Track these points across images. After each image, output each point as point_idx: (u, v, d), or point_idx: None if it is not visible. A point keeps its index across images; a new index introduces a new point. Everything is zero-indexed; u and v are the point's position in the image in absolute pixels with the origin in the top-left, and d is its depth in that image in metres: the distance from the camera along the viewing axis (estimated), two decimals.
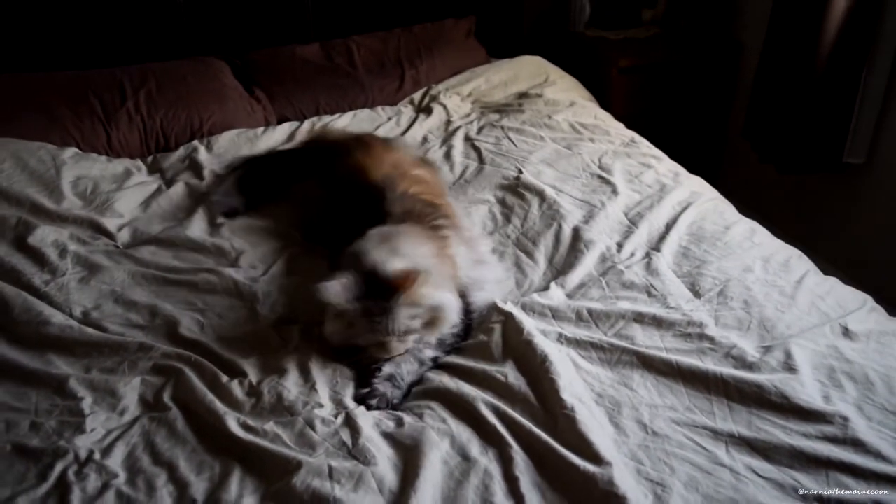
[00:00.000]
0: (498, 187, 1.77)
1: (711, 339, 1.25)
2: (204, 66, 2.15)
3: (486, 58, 2.39)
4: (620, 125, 2.07)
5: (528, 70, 2.31)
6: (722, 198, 1.72)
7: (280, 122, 2.08)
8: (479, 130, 2.03)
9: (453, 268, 1.36)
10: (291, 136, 2.00)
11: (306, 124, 2.05)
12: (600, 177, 1.77)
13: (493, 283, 1.42)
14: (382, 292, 1.21)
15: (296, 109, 2.12)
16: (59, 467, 1.07)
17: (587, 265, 1.47)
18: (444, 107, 2.14)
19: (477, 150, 1.93)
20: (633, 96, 2.38)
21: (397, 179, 1.50)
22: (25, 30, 2.06)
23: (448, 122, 2.09)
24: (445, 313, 1.24)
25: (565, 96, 2.19)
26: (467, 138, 2.00)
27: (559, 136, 1.98)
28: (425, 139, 2.02)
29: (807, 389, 1.13)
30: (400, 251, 1.27)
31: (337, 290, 1.20)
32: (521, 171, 1.80)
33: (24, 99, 1.92)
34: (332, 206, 1.53)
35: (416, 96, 2.22)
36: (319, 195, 1.60)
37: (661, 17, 2.63)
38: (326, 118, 2.09)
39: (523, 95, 2.20)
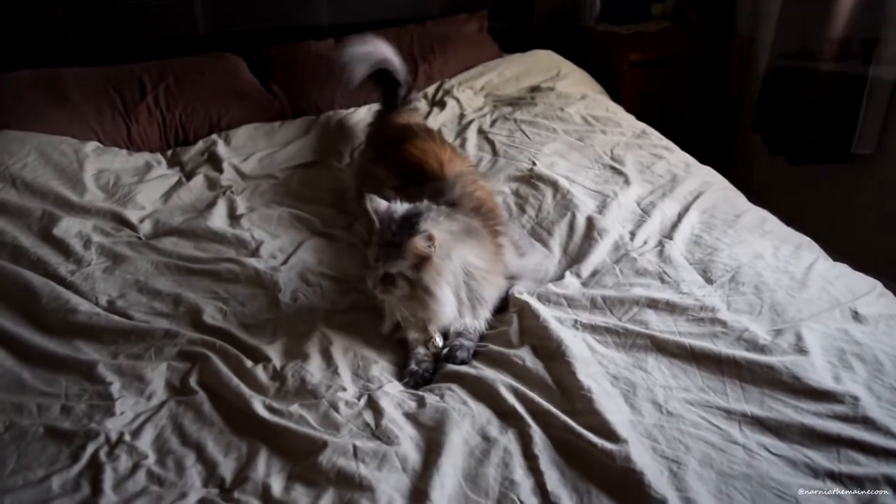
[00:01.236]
0: (512, 179, 1.79)
1: (724, 324, 1.27)
2: (221, 62, 2.19)
3: (498, 52, 2.42)
4: (631, 117, 2.10)
5: (539, 64, 2.34)
6: (732, 187, 1.75)
7: (296, 115, 2.11)
8: (493, 123, 2.06)
9: (503, 273, 1.40)
10: (307, 130, 2.04)
11: (322, 118, 2.09)
12: (612, 167, 1.80)
13: (533, 272, 1.47)
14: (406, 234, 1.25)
15: (311, 103, 2.15)
16: (90, 449, 1.12)
17: (601, 253, 1.50)
18: (458, 100, 2.17)
19: (490, 142, 1.96)
20: (643, 90, 2.40)
21: (468, 180, 1.53)
22: (46, 26, 2.11)
23: (461, 116, 2.12)
24: (436, 303, 1.26)
25: (577, 90, 2.21)
26: (480, 131, 2.03)
27: (571, 128, 2.00)
28: (439, 132, 2.05)
29: (817, 370, 1.16)
30: (462, 237, 1.31)
31: (380, 204, 1.28)
32: (534, 163, 1.83)
33: (46, 94, 1.95)
34: (398, 188, 1.54)
35: (430, 90, 2.25)
36: (385, 176, 1.62)
37: (671, 12, 2.66)
38: (342, 112, 2.12)
39: (535, 89, 2.23)
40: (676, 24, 2.63)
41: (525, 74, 2.30)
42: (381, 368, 1.26)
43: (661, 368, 1.20)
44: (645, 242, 1.53)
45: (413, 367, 1.25)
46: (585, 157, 1.86)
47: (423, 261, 1.25)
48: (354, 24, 2.35)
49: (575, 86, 2.24)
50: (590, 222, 1.59)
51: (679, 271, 1.42)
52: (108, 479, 1.07)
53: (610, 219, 1.60)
